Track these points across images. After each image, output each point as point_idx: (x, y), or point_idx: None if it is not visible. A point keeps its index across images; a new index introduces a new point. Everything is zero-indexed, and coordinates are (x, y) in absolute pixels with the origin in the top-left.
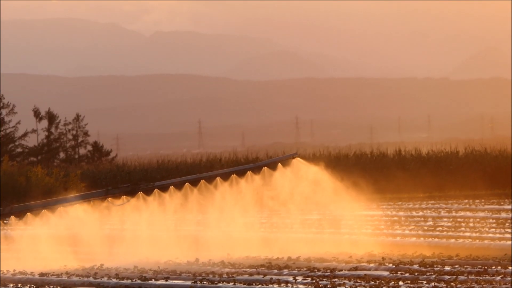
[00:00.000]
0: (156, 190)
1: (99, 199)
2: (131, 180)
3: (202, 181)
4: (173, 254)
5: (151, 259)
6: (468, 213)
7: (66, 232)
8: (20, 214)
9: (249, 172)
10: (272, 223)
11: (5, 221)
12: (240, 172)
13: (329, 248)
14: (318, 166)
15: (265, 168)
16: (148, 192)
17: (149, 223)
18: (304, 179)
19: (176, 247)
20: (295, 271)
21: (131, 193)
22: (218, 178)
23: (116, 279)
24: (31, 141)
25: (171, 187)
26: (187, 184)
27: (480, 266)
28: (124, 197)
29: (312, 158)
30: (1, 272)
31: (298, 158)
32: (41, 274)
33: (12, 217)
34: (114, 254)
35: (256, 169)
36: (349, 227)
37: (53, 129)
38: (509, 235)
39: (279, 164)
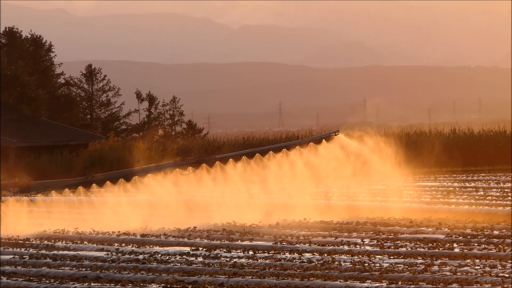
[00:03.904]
0: (217, 162)
1: (169, 170)
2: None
3: (257, 154)
4: (256, 219)
5: (238, 223)
6: None
7: (151, 198)
8: (100, 183)
9: (297, 147)
10: (341, 192)
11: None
12: (290, 146)
13: (392, 214)
14: (364, 143)
15: (311, 143)
16: (210, 163)
17: (226, 191)
18: (360, 154)
19: (257, 212)
20: (363, 234)
21: (196, 164)
22: (270, 152)
23: (207, 239)
24: (134, 120)
25: (231, 160)
26: (244, 157)
27: None
28: (190, 168)
29: (377, 135)
30: (107, 233)
31: (340, 135)
32: (142, 235)
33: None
34: (204, 218)
35: (304, 144)
36: (410, 196)
37: (152, 109)
38: None
39: (324, 140)
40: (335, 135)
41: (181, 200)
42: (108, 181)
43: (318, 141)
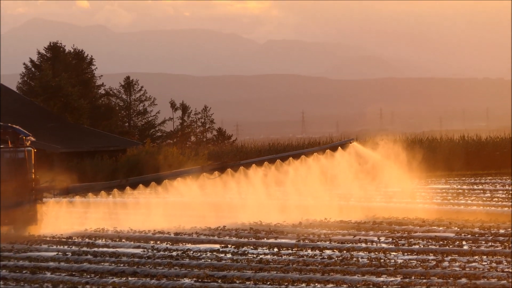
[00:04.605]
0: (241, 167)
1: (197, 174)
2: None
3: (278, 160)
4: (280, 219)
5: (263, 222)
6: None
7: (182, 200)
8: (134, 186)
9: (315, 153)
10: (360, 194)
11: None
12: (309, 153)
13: (406, 214)
14: (376, 150)
15: (327, 150)
16: (235, 168)
17: (252, 194)
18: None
19: (281, 213)
20: (379, 233)
21: (222, 169)
22: (290, 158)
23: (236, 237)
24: (168, 127)
25: (254, 165)
26: (266, 162)
27: None
28: (216, 172)
29: (393, 141)
30: (144, 231)
31: (354, 143)
32: (176, 233)
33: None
34: (232, 218)
35: (321, 151)
36: (423, 198)
37: (185, 118)
38: None
39: (339, 147)
40: (350, 142)
41: (210, 202)
42: (140, 184)
43: (334, 148)
